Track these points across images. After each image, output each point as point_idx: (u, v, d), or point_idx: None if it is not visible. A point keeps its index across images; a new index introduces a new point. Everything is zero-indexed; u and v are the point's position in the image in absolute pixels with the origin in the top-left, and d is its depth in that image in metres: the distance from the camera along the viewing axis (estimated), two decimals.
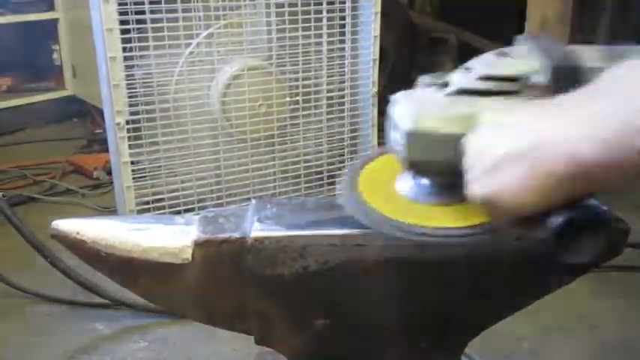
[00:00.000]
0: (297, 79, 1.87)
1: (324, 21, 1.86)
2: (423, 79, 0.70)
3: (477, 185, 0.59)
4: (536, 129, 0.55)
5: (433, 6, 3.41)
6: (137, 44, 1.65)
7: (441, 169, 0.67)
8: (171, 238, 0.78)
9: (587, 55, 0.65)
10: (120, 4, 1.60)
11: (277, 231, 0.76)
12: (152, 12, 1.64)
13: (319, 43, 1.88)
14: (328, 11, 1.86)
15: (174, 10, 1.67)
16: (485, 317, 0.82)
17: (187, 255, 0.77)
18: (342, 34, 1.92)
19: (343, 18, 1.90)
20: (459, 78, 0.67)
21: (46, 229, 0.81)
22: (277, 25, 1.81)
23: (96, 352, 1.45)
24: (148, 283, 0.81)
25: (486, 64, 0.67)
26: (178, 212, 1.76)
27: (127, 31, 1.63)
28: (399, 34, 2.97)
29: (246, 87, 1.79)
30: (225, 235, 0.77)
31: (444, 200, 0.71)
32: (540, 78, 0.64)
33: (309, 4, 1.82)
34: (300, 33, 1.82)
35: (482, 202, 0.58)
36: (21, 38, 3.14)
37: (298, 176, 1.96)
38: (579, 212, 0.54)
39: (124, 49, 1.65)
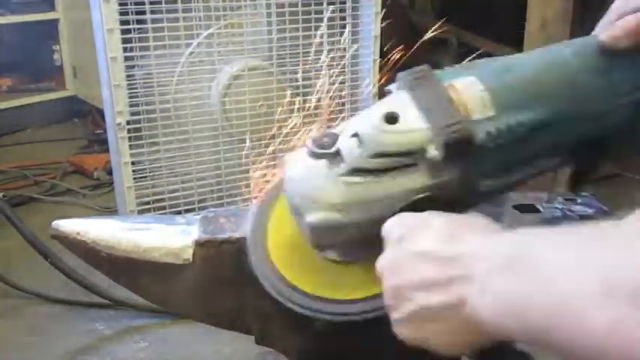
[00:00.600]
0: (297, 80, 1.87)
1: (325, 21, 1.86)
2: (313, 144, 0.66)
3: (403, 329, 0.58)
4: (461, 280, 0.52)
5: (433, 6, 3.41)
6: (138, 44, 1.65)
7: (350, 246, 0.68)
8: (172, 238, 0.78)
9: (471, 98, 0.63)
10: (120, 5, 1.60)
11: None
12: (153, 12, 1.64)
13: (320, 44, 1.88)
14: (329, 11, 1.86)
15: (175, 11, 1.67)
16: None
17: (188, 255, 0.77)
18: (343, 34, 1.92)
19: (344, 18, 1.90)
20: (348, 151, 0.64)
21: (47, 229, 0.81)
22: (278, 25, 1.81)
23: (96, 352, 1.45)
24: (149, 283, 0.81)
25: (376, 136, 0.63)
26: (179, 212, 1.76)
27: (128, 32, 1.63)
28: (399, 35, 2.97)
29: (246, 87, 1.79)
30: (226, 236, 0.77)
31: (351, 258, 0.71)
32: (432, 152, 0.61)
33: (309, 4, 1.82)
34: (300, 33, 1.82)
35: (410, 342, 0.58)
36: (22, 39, 3.14)
37: None
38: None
39: (125, 50, 1.65)
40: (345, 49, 1.93)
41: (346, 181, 0.64)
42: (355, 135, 0.64)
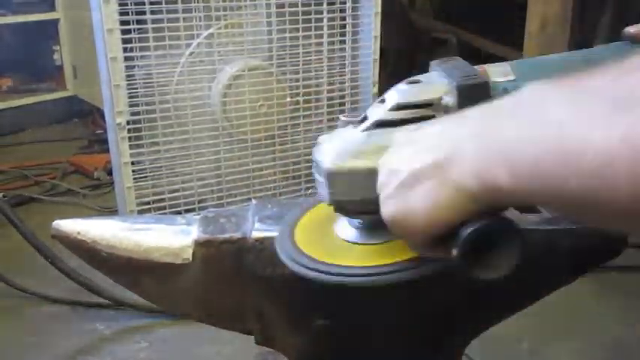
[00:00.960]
0: (297, 80, 1.88)
1: (325, 21, 1.86)
2: (342, 119, 0.70)
3: (388, 205, 0.56)
4: (445, 143, 0.52)
5: (433, 6, 3.41)
6: (138, 44, 1.65)
7: (366, 207, 0.66)
8: (172, 238, 0.78)
9: (495, 70, 0.67)
10: (120, 5, 1.60)
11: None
12: (153, 12, 1.64)
13: (320, 44, 1.88)
14: (329, 11, 1.86)
15: (175, 11, 1.67)
16: (486, 318, 0.83)
17: (188, 255, 0.77)
18: (343, 34, 1.92)
19: (344, 18, 1.90)
20: (373, 111, 0.67)
21: (47, 229, 0.81)
22: (278, 25, 1.81)
23: (97, 352, 1.45)
24: (149, 283, 0.81)
25: (399, 93, 0.67)
26: (179, 212, 1.76)
27: (128, 32, 1.63)
28: (399, 35, 2.97)
29: (246, 87, 1.79)
30: (226, 236, 0.77)
31: (379, 239, 0.70)
32: (448, 99, 0.65)
33: (309, 5, 1.82)
34: (300, 33, 1.82)
35: (394, 222, 0.56)
36: (22, 39, 3.14)
37: (299, 176, 1.96)
38: (486, 224, 0.51)
39: (125, 50, 1.65)
40: (345, 49, 1.93)
41: (366, 132, 0.66)
42: (381, 101, 0.68)
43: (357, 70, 1.97)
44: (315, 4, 1.83)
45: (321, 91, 1.94)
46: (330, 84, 1.94)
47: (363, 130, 0.66)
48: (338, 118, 0.71)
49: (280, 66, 1.84)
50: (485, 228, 0.51)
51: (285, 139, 1.93)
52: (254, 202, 0.84)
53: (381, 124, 0.66)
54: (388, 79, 2.73)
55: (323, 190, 0.68)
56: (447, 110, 0.65)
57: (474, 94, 0.64)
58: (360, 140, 0.66)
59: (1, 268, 1.63)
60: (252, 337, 0.82)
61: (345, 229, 0.72)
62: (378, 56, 1.95)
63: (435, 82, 0.67)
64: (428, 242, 0.55)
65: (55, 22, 3.06)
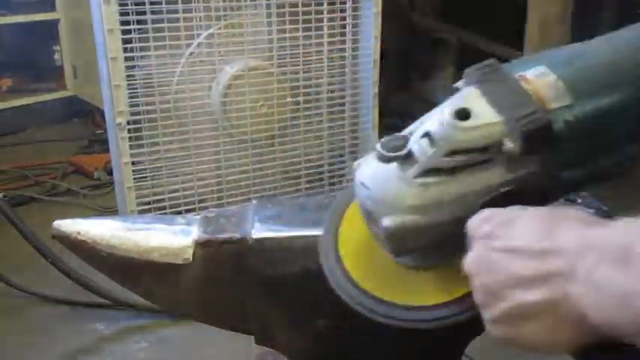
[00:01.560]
0: (297, 80, 1.88)
1: (325, 21, 1.86)
2: (382, 147, 0.63)
3: (498, 329, 0.55)
4: (557, 274, 0.50)
5: (433, 6, 3.41)
6: (138, 45, 1.65)
7: (425, 251, 0.66)
8: (172, 238, 0.78)
9: (547, 90, 0.61)
10: (121, 5, 1.60)
11: (278, 231, 0.77)
12: (153, 12, 1.64)
13: (320, 44, 1.88)
14: (329, 12, 1.86)
15: (175, 11, 1.67)
16: None
17: (188, 255, 0.77)
18: (343, 34, 1.92)
19: (344, 18, 1.90)
20: (422, 154, 0.62)
21: (47, 229, 0.81)
22: (278, 25, 1.81)
23: (97, 352, 1.45)
24: (149, 283, 0.81)
25: (449, 133, 0.60)
26: (179, 212, 1.76)
27: (128, 32, 1.63)
28: (399, 35, 2.97)
29: (247, 87, 1.79)
30: (226, 236, 0.77)
31: (429, 263, 0.69)
32: (509, 144, 0.59)
33: (309, 5, 1.82)
34: (300, 33, 1.82)
35: (507, 343, 0.55)
36: (22, 39, 3.14)
37: (299, 176, 1.96)
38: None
39: (125, 50, 1.65)
40: (345, 49, 1.93)
41: (421, 182, 0.61)
42: (426, 135, 0.62)
43: (357, 70, 1.97)
44: (316, 4, 1.83)
45: (322, 91, 1.94)
46: (330, 84, 1.94)
47: (414, 177, 0.61)
48: (375, 143, 0.63)
49: (280, 66, 1.84)
50: None
51: (286, 139, 1.93)
52: (254, 202, 0.84)
53: (433, 171, 0.61)
54: (388, 79, 2.74)
55: (379, 238, 0.65)
56: (504, 156, 0.60)
57: (537, 137, 0.59)
58: (416, 191, 0.61)
59: (1, 268, 1.62)
60: (252, 337, 0.82)
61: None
62: (378, 56, 1.95)
63: (487, 116, 0.60)
64: None
65: (55, 22, 3.06)
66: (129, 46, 1.65)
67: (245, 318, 0.80)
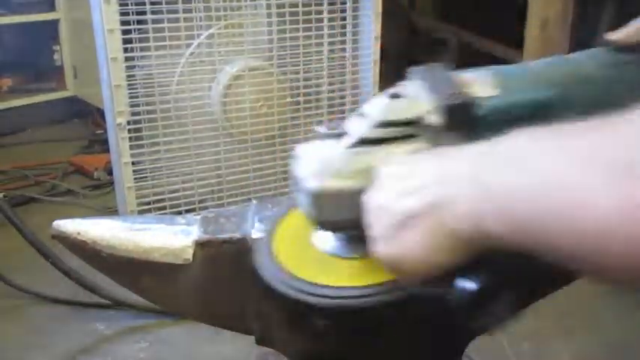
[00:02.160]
0: (297, 80, 1.88)
1: (325, 21, 1.86)
2: (320, 130, 0.68)
3: (379, 246, 0.56)
4: (437, 184, 0.51)
5: (433, 6, 3.41)
6: (138, 45, 1.65)
7: (350, 225, 0.65)
8: (173, 238, 0.78)
9: (478, 83, 0.65)
10: (121, 5, 1.60)
11: None
12: (153, 12, 1.64)
13: (320, 44, 1.89)
14: (329, 12, 1.86)
15: (176, 11, 1.67)
16: (488, 320, 0.82)
17: (188, 255, 0.77)
18: (343, 34, 1.92)
19: (344, 18, 1.90)
20: (355, 127, 0.66)
21: (47, 229, 0.81)
22: (278, 25, 1.81)
23: (97, 352, 1.45)
24: (149, 283, 0.81)
25: (380, 109, 0.65)
26: (179, 212, 1.76)
27: (128, 32, 1.63)
28: (399, 35, 2.97)
29: (247, 87, 1.79)
30: (226, 236, 0.77)
31: (358, 253, 0.69)
32: (433, 118, 0.63)
33: (310, 5, 1.82)
34: (300, 33, 1.82)
35: (387, 263, 0.56)
36: (22, 39, 3.14)
37: None
38: (483, 285, 0.51)
39: (125, 50, 1.65)
40: (345, 49, 1.93)
41: (351, 151, 0.64)
42: (360, 115, 0.66)
43: (357, 71, 1.97)
44: (316, 5, 1.83)
45: (322, 92, 1.94)
46: (330, 84, 1.94)
47: (346, 148, 0.65)
48: (315, 128, 0.69)
49: (281, 66, 1.84)
50: (482, 288, 0.51)
51: (286, 139, 1.93)
52: (254, 202, 0.84)
53: (364, 142, 0.64)
54: (388, 79, 2.73)
55: (306, 209, 0.67)
56: (429, 129, 0.64)
57: (459, 113, 0.63)
58: (343, 159, 0.64)
59: (1, 268, 1.63)
60: (252, 337, 0.82)
61: (326, 241, 0.71)
62: (378, 56, 1.95)
63: (419, 98, 0.65)
64: (423, 282, 0.54)
65: (55, 22, 3.06)
66: (129, 46, 1.65)
67: (245, 318, 0.80)
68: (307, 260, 0.71)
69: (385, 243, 0.55)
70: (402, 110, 0.65)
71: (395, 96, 0.66)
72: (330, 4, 1.85)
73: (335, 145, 0.66)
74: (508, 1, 2.83)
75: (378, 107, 0.65)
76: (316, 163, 0.66)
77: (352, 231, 0.68)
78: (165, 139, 1.76)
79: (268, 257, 0.72)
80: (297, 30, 1.82)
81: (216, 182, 1.84)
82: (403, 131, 0.65)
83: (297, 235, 0.74)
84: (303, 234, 0.73)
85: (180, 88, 1.73)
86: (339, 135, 0.66)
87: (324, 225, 0.69)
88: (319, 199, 0.64)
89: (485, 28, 2.92)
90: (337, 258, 0.71)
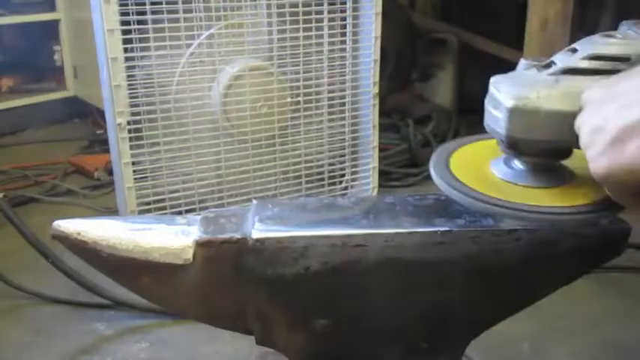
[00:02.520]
0: (298, 80, 1.88)
1: (325, 21, 1.86)
2: (523, 61, 0.70)
3: (600, 161, 0.57)
4: None
5: (433, 6, 3.41)
6: (138, 45, 1.65)
7: (542, 148, 0.67)
8: (173, 238, 0.78)
9: None
10: (121, 5, 1.60)
11: (278, 231, 0.77)
12: (153, 12, 1.64)
13: (320, 44, 1.89)
14: (329, 12, 1.86)
15: (176, 11, 1.67)
16: (486, 318, 0.83)
17: (188, 255, 0.77)
18: (343, 34, 1.92)
19: (344, 18, 1.90)
20: (563, 58, 0.67)
21: (47, 229, 0.81)
22: (278, 25, 1.81)
23: (97, 352, 1.45)
24: (149, 283, 0.81)
25: (592, 44, 0.66)
26: (179, 213, 1.76)
27: (128, 32, 1.63)
28: (399, 35, 2.97)
29: (247, 87, 1.79)
30: (227, 236, 0.77)
31: (541, 183, 0.70)
32: None
33: (310, 5, 1.82)
34: (301, 34, 1.82)
35: (610, 177, 0.57)
36: (22, 39, 3.14)
37: (299, 176, 1.96)
38: None
39: (125, 50, 1.65)
40: (345, 50, 1.93)
41: (554, 78, 0.66)
42: (572, 49, 0.67)
43: (357, 71, 1.97)
44: (316, 5, 1.83)
45: (322, 92, 1.94)
46: (330, 84, 1.94)
47: (550, 74, 0.66)
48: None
49: (281, 66, 1.84)
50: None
51: (286, 139, 1.93)
52: (255, 202, 0.84)
53: (571, 71, 0.65)
54: (389, 79, 2.73)
55: (499, 124, 0.67)
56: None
57: None
58: (546, 83, 0.65)
59: (1, 268, 1.62)
60: (252, 337, 0.82)
61: (503, 169, 0.72)
62: (378, 57, 1.95)
63: (633, 38, 0.65)
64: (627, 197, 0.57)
65: (55, 23, 3.05)
66: (129, 46, 1.65)
67: (245, 318, 0.80)
68: (483, 182, 0.71)
69: (605, 159, 0.56)
70: (615, 46, 0.65)
71: (608, 36, 0.66)
72: (330, 4, 1.85)
73: (538, 72, 0.67)
74: (508, 1, 2.83)
75: (592, 40, 0.66)
76: (518, 83, 0.67)
77: (538, 158, 0.69)
78: (166, 139, 1.76)
79: (447, 171, 0.72)
80: (298, 30, 1.82)
81: (216, 182, 1.84)
82: (612, 65, 0.64)
83: (473, 163, 0.74)
84: (479, 163, 0.74)
85: (180, 88, 1.73)
86: (545, 66, 0.67)
87: (515, 142, 0.68)
88: (516, 114, 0.65)
89: (485, 28, 2.92)
90: (511, 184, 0.71)
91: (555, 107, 0.63)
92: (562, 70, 0.66)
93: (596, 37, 0.66)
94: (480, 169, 0.74)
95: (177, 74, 1.73)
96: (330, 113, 1.97)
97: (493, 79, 0.70)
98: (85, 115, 3.11)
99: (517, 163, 0.72)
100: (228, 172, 1.84)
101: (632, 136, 0.54)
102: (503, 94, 0.66)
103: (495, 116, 0.68)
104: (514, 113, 0.65)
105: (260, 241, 0.76)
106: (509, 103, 0.65)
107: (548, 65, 0.68)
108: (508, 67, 0.74)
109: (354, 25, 1.92)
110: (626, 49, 0.64)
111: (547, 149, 0.66)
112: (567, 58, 0.67)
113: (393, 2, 2.83)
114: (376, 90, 1.98)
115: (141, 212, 1.74)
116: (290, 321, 0.78)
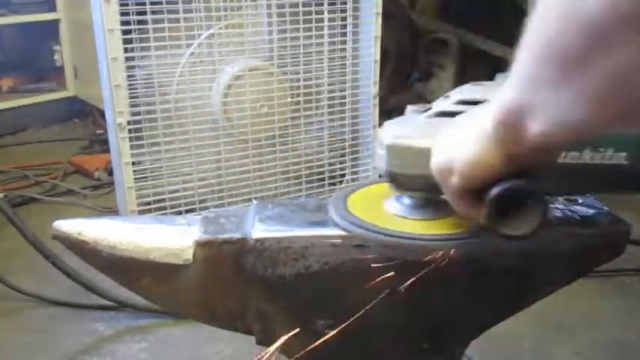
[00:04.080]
0: (298, 80, 1.88)
1: (326, 21, 1.86)
2: (409, 108, 0.81)
3: (436, 156, 0.67)
4: (481, 112, 0.62)
5: (434, 6, 3.41)
6: (138, 45, 1.65)
7: (419, 183, 0.75)
8: (173, 238, 0.78)
9: None
10: (121, 5, 1.60)
11: (278, 231, 0.77)
12: (153, 12, 1.64)
13: (320, 44, 1.89)
14: (329, 12, 1.86)
15: (176, 11, 1.67)
16: (486, 318, 0.83)
17: (189, 255, 0.77)
18: (344, 34, 1.92)
19: (344, 19, 1.90)
20: (438, 103, 0.78)
21: (47, 229, 0.81)
22: (278, 25, 1.81)
23: (97, 352, 1.45)
24: (150, 283, 0.81)
25: (462, 91, 0.77)
26: (180, 213, 1.76)
27: (129, 32, 1.63)
28: (400, 35, 2.97)
29: (247, 87, 1.79)
30: (227, 236, 0.77)
31: (427, 216, 0.78)
32: None
33: (310, 5, 1.82)
34: (301, 33, 1.82)
35: (438, 169, 0.66)
36: (22, 39, 3.14)
37: (299, 176, 1.96)
38: (512, 184, 0.60)
39: (126, 50, 1.65)
40: (345, 50, 1.93)
41: (428, 120, 0.76)
42: (446, 96, 0.77)
43: (357, 71, 1.97)
44: (316, 5, 1.83)
45: (322, 92, 1.94)
46: (330, 84, 1.94)
47: (427, 117, 0.77)
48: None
49: (281, 66, 1.84)
50: (512, 187, 0.60)
51: (286, 139, 1.93)
52: (255, 202, 0.84)
53: (443, 114, 0.76)
54: (389, 79, 2.73)
55: (382, 162, 0.77)
56: None
57: None
58: (421, 124, 0.76)
59: (1, 269, 1.62)
60: (253, 337, 0.82)
61: (395, 205, 0.81)
62: (378, 56, 1.95)
63: (498, 85, 0.71)
64: (465, 196, 0.64)
65: (55, 23, 3.06)
66: (129, 46, 1.65)
67: (245, 318, 0.80)
68: (376, 216, 0.79)
69: (440, 154, 0.66)
70: (479, 92, 0.75)
71: (478, 84, 0.78)
72: (330, 4, 1.85)
73: (418, 116, 0.79)
74: (508, 1, 2.83)
75: (460, 90, 0.77)
76: (397, 125, 0.78)
77: (422, 192, 0.78)
78: (166, 139, 1.76)
79: (342, 207, 0.80)
80: (298, 30, 1.82)
81: (216, 182, 1.84)
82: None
83: (370, 201, 0.83)
84: (375, 200, 0.82)
85: (180, 88, 1.73)
86: (426, 111, 0.78)
87: (394, 177, 0.77)
88: (392, 151, 0.75)
89: (485, 28, 2.92)
90: (403, 218, 0.79)
91: (426, 145, 0.71)
92: (436, 114, 0.77)
93: (467, 86, 0.78)
94: (375, 205, 0.83)
95: (178, 74, 1.73)
96: (330, 113, 1.97)
97: (384, 124, 0.80)
98: (85, 115, 3.11)
99: (405, 200, 0.80)
100: (229, 172, 1.84)
101: (462, 131, 0.64)
102: (385, 133, 0.77)
103: (379, 154, 0.78)
104: (391, 150, 0.75)
105: (260, 241, 0.76)
106: (388, 140, 0.75)
107: (429, 110, 0.79)
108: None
109: (354, 25, 1.92)
110: (489, 94, 0.71)
111: (422, 183, 0.73)
112: (442, 103, 0.78)
113: (394, 2, 2.83)
114: (376, 90, 1.98)
115: (141, 212, 1.74)
116: (290, 321, 0.78)
